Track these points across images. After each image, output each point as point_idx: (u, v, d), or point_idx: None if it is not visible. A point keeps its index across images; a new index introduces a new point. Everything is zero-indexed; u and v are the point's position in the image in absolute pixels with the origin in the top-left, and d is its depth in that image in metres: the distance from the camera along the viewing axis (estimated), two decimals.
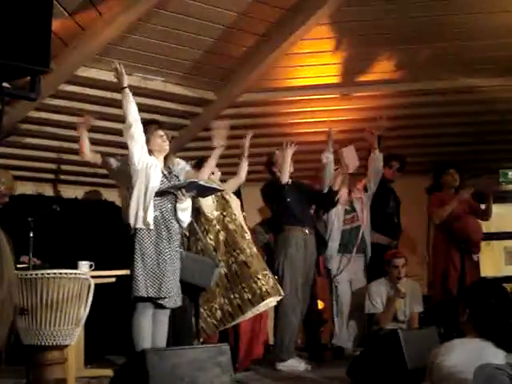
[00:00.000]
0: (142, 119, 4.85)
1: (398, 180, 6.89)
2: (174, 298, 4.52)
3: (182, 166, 5.02)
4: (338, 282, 6.29)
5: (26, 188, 5.73)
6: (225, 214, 5.25)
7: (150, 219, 4.49)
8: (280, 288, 5.21)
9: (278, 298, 5.23)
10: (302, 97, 7.03)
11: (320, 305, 6.55)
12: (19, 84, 3.92)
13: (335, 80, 6.86)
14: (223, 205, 5.30)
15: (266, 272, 5.14)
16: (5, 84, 3.28)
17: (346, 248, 6.32)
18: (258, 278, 5.07)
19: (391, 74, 6.80)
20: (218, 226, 5.20)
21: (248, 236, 5.30)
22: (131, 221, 4.53)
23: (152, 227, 4.50)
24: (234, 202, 5.43)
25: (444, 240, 6.35)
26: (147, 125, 4.87)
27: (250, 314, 5.14)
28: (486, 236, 6.57)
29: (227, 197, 5.39)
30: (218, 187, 5.05)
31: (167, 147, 4.86)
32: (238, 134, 7.41)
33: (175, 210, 4.64)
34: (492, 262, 6.55)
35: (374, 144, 6.34)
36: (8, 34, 3.02)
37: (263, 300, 5.05)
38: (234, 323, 5.20)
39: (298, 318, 5.66)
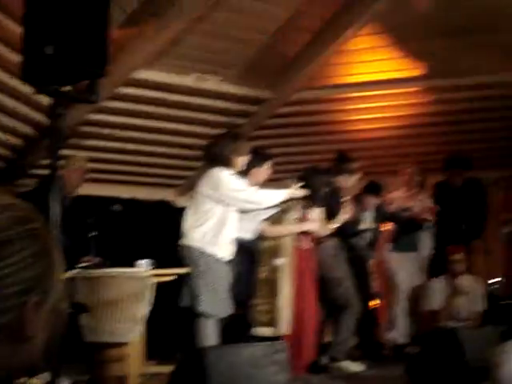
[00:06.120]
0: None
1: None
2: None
3: None
4: (397, 278, 6.23)
5: (87, 189, 5.85)
6: None
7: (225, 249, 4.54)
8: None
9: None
10: (358, 93, 6.98)
11: (376, 303, 6.49)
12: (79, 87, 4.02)
13: (392, 75, 6.78)
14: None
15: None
16: (66, 87, 3.36)
17: (400, 246, 6.28)
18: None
19: (448, 66, 6.67)
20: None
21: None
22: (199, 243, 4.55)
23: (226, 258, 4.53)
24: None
25: None
26: (261, 157, 5.01)
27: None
28: None
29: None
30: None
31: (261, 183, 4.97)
32: (294, 133, 7.44)
33: None
34: None
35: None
36: (68, 39, 3.10)
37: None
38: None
39: (352, 318, 5.58)
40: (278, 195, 4.63)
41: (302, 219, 5.22)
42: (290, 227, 5.14)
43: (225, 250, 4.50)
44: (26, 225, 0.96)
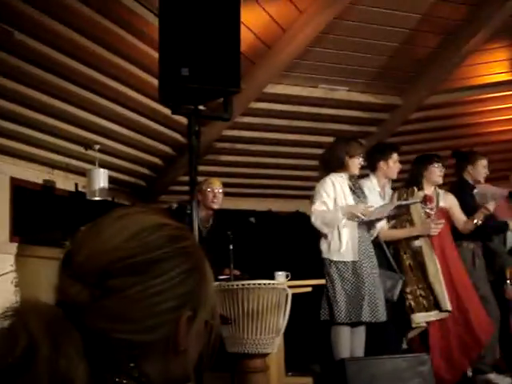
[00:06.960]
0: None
1: None
2: (373, 314, 4.48)
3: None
4: None
5: (224, 203, 6.00)
6: None
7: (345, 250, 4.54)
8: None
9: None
10: (494, 94, 6.70)
11: None
12: (213, 105, 4.15)
13: None
14: None
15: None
16: (201, 107, 3.49)
17: None
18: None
19: None
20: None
21: None
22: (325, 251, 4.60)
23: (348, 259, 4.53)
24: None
25: None
26: (386, 149, 5.05)
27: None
28: None
29: None
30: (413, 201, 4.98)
31: (394, 176, 5.02)
32: (427, 138, 7.25)
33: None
34: None
35: None
36: (201, 60, 3.22)
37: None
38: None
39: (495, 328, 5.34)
40: (335, 220, 4.52)
41: (426, 201, 5.11)
42: (408, 230, 5.06)
43: (349, 252, 4.50)
44: (178, 243, 1.01)
